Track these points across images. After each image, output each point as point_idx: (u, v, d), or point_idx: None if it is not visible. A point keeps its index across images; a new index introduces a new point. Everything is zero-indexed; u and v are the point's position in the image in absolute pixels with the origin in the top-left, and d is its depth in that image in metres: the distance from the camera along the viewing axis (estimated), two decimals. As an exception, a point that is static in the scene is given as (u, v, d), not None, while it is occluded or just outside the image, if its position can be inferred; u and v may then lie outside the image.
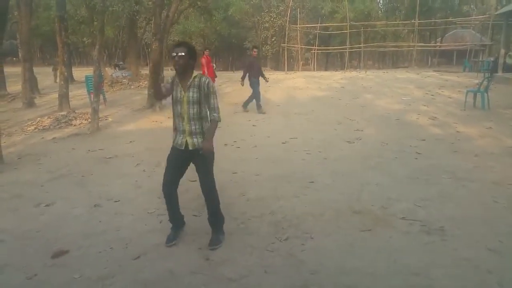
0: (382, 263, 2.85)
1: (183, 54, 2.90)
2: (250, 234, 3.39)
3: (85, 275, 2.84)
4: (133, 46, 20.69)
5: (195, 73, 3.03)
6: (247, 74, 10.07)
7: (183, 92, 3.00)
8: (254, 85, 9.98)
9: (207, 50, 13.00)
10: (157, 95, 3.27)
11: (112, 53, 33.33)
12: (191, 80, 2.99)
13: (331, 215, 3.72)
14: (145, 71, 20.56)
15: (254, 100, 10.09)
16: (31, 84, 14.21)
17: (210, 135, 3.01)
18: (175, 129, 3.14)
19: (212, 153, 3.09)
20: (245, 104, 10.29)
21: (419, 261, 2.84)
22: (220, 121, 3.04)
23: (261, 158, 5.80)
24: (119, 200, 4.36)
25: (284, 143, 6.72)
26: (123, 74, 19.93)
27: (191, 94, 2.98)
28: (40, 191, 4.81)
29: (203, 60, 12.45)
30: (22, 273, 2.90)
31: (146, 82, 16.13)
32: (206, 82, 3.00)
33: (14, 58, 26.19)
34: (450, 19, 32.38)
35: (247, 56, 21.50)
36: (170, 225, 3.36)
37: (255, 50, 10.44)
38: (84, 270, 2.90)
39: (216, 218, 3.24)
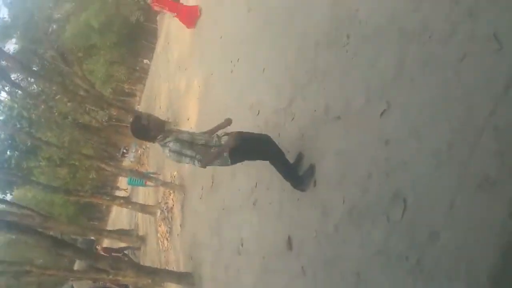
0: None
1: (131, 120, 3.05)
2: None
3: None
4: (107, 130, 20.30)
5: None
6: None
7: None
8: None
9: None
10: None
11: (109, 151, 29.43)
12: (161, 141, 2.94)
13: None
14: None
15: None
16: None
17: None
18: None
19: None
20: None
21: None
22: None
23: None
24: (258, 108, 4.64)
25: None
26: (133, 150, 19.27)
27: (171, 147, 2.89)
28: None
29: None
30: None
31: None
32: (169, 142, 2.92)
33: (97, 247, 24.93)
34: None
35: None
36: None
37: None
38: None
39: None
